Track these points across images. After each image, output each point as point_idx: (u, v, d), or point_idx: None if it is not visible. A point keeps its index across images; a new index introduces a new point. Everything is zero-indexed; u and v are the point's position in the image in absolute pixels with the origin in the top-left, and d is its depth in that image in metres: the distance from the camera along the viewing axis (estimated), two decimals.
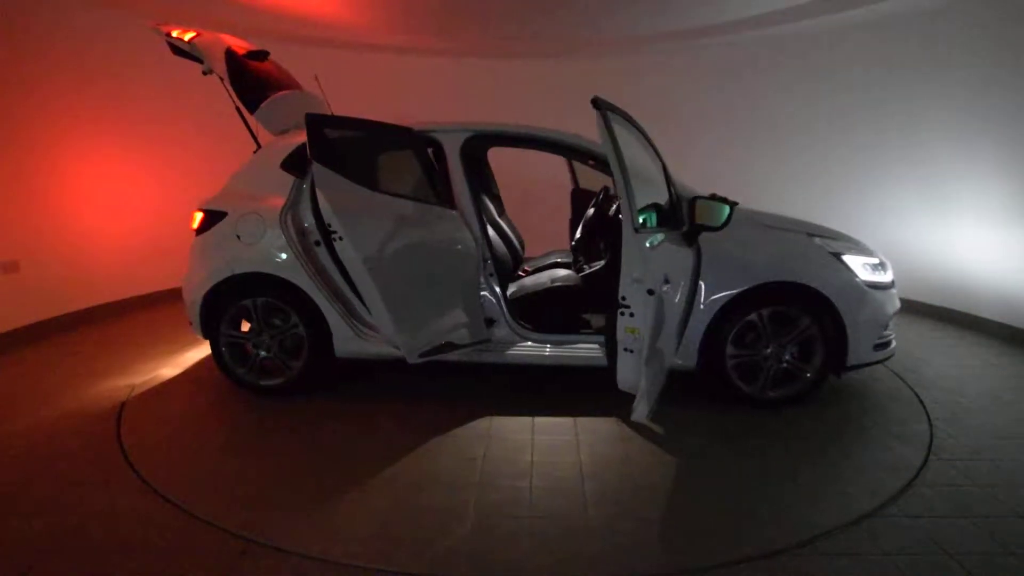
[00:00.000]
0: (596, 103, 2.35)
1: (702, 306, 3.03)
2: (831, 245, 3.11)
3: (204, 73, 3.28)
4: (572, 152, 3.51)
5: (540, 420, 3.06)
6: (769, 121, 6.18)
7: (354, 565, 1.96)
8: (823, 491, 2.40)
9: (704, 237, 2.94)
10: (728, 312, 3.04)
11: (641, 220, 2.52)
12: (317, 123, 2.66)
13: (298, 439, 2.87)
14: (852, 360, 3.09)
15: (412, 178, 3.18)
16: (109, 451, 2.75)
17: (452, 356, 3.16)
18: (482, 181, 4.40)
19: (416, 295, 2.97)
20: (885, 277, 3.20)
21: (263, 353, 3.33)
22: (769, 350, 3.09)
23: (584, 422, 3.02)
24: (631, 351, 2.41)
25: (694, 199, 2.76)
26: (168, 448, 2.79)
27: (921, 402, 3.26)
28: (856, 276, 3.05)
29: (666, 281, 2.45)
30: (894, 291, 3.24)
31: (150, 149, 5.48)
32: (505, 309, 3.32)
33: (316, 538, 2.10)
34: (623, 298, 2.37)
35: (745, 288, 3.00)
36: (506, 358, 3.30)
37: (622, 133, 2.53)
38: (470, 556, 2.00)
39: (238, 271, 3.25)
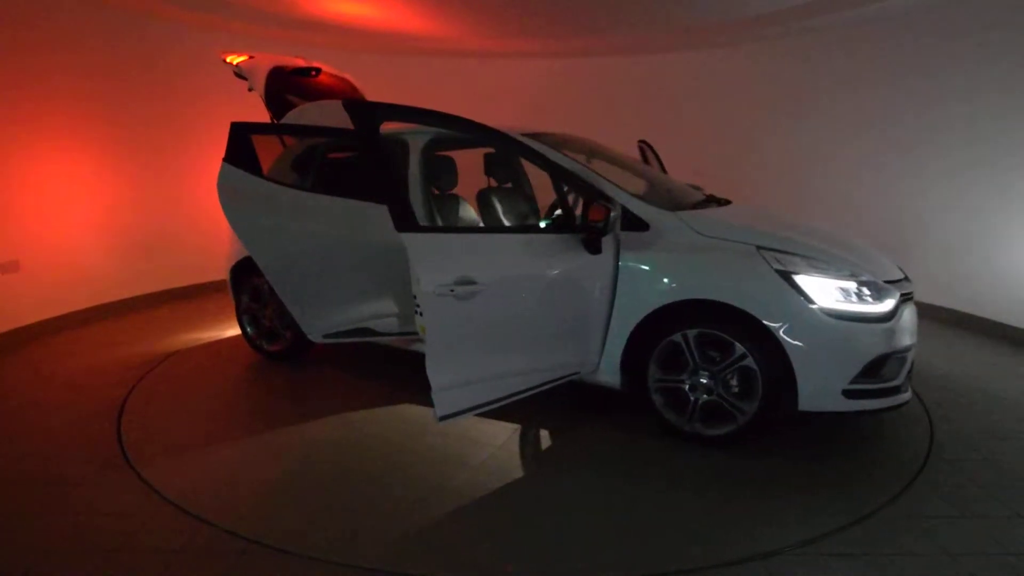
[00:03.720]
0: (345, 105, 2.24)
1: (619, 320, 2.77)
2: (785, 261, 2.55)
3: (249, 90, 3.64)
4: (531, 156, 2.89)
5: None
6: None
7: (353, 565, 1.96)
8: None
9: (626, 244, 2.77)
10: (651, 330, 2.72)
11: (543, 224, 2.65)
12: (239, 130, 2.87)
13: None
14: (805, 405, 2.51)
15: (357, 178, 3.40)
16: (110, 450, 2.75)
17: (380, 342, 3.41)
18: (508, 181, 4.33)
19: (326, 282, 3.17)
20: (870, 307, 2.53)
21: (266, 323, 3.93)
22: (700, 379, 2.66)
23: (513, 426, 2.99)
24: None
25: (587, 202, 2.61)
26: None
27: (921, 402, 3.26)
28: (810, 301, 2.46)
29: (469, 283, 2.31)
30: (889, 325, 2.53)
31: (158, 150, 5.48)
32: None
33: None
34: (415, 296, 2.32)
35: (662, 304, 2.66)
36: None
37: (425, 134, 2.95)
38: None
39: (244, 256, 3.76)
